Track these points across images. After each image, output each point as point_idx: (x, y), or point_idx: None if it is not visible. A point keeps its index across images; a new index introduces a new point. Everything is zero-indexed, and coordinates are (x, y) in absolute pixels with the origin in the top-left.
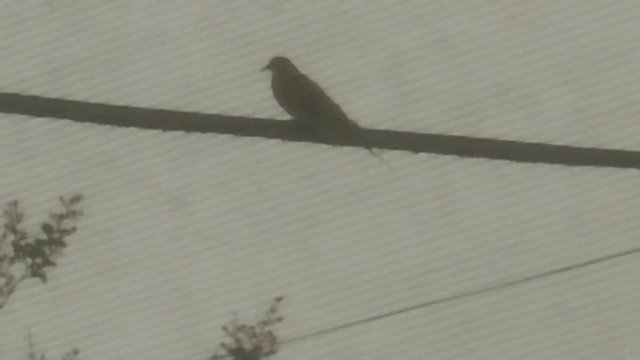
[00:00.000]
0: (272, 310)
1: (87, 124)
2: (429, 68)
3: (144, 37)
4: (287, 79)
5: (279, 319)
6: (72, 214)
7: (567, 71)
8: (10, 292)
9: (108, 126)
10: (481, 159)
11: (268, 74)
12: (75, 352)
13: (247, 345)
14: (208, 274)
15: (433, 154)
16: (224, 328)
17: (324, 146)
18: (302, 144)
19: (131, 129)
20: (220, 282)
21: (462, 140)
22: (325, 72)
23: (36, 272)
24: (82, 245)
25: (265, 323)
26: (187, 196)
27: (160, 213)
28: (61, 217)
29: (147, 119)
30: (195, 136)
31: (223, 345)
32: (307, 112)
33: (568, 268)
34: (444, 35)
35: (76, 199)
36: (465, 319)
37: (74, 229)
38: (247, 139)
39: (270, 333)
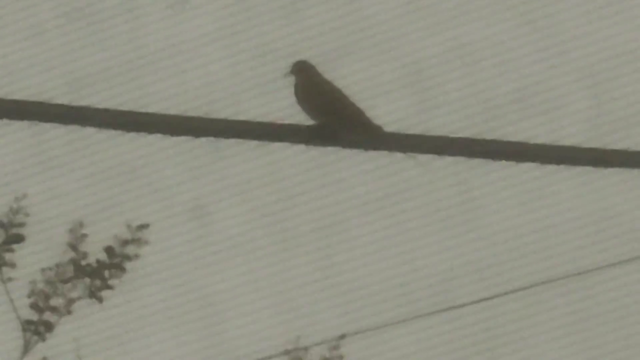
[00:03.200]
0: (335, 347)
1: (107, 133)
2: (448, 75)
3: (163, 47)
4: (309, 84)
5: (340, 357)
6: (136, 241)
7: (587, 76)
8: (68, 313)
9: (128, 135)
10: (502, 163)
11: (289, 80)
12: None
13: None
14: (229, 283)
15: (455, 158)
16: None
17: (345, 153)
18: (323, 150)
19: (151, 138)
20: (241, 291)
21: (485, 143)
22: (344, 79)
23: (93, 293)
24: None
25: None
26: (208, 205)
27: (181, 222)
28: (125, 243)
29: (168, 125)
30: (216, 144)
31: None
32: (331, 117)
33: (590, 270)
34: (463, 42)
35: (143, 227)
36: (488, 324)
37: (136, 256)
38: (268, 147)
39: None
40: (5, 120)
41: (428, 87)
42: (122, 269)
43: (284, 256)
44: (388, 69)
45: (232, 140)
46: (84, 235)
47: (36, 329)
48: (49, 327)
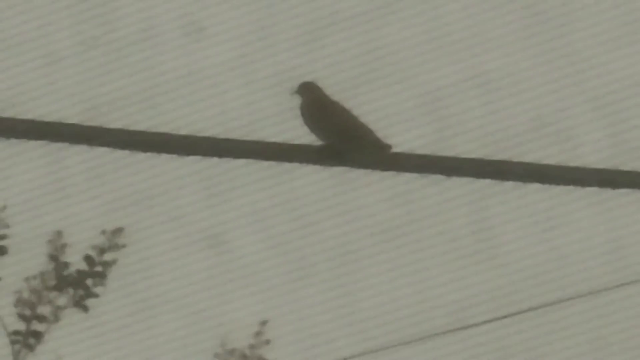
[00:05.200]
0: (259, 333)
1: (124, 161)
2: (465, 103)
3: (179, 75)
4: (315, 104)
5: (267, 342)
6: (114, 246)
7: (603, 105)
8: (56, 320)
9: (145, 163)
10: (516, 188)
11: (295, 100)
12: None
13: None
14: (245, 312)
15: (469, 181)
16: (215, 355)
17: (360, 182)
18: (338, 178)
19: (168, 165)
20: (257, 319)
21: (497, 164)
22: (361, 108)
23: (78, 302)
24: (120, 280)
25: (253, 347)
26: (225, 233)
27: (197, 250)
28: (103, 250)
29: (180, 145)
30: (232, 173)
31: None
32: (337, 136)
33: (605, 290)
34: (479, 71)
35: (118, 231)
36: (501, 344)
37: (115, 262)
38: (284, 175)
39: (260, 356)
40: (22, 141)
41: (444, 116)
42: (104, 276)
43: (299, 285)
44: (405, 97)
45: (248, 168)
46: (64, 245)
47: (25, 340)
48: (38, 337)
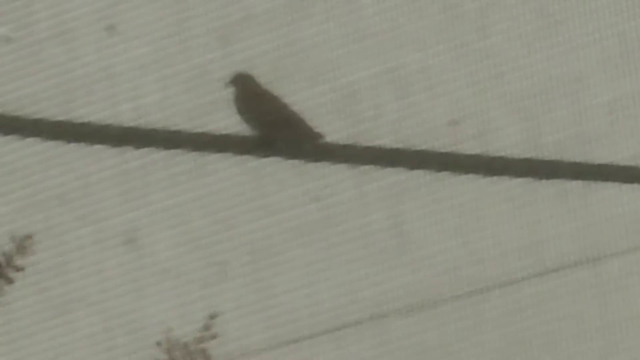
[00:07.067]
0: (206, 327)
1: (40, 156)
2: (380, 99)
3: (92, 73)
4: (249, 94)
5: (213, 336)
6: (22, 249)
7: (518, 100)
8: None
9: (59, 159)
10: (430, 180)
11: (229, 93)
12: None
13: None
14: (160, 310)
15: (384, 172)
16: (158, 344)
17: (278, 176)
18: (255, 173)
19: (83, 162)
20: (172, 316)
21: (420, 153)
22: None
23: None
24: (32, 281)
25: (199, 340)
26: (139, 231)
27: (111, 249)
28: (11, 255)
29: (101, 134)
30: (146, 170)
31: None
32: (271, 126)
33: (519, 282)
34: (394, 66)
35: (27, 237)
36: (417, 339)
37: (22, 268)
38: (200, 170)
39: (203, 350)
40: None
41: (359, 112)
42: (10, 281)
43: (214, 282)
44: (319, 94)
45: (162, 163)
46: None
47: None
48: None
